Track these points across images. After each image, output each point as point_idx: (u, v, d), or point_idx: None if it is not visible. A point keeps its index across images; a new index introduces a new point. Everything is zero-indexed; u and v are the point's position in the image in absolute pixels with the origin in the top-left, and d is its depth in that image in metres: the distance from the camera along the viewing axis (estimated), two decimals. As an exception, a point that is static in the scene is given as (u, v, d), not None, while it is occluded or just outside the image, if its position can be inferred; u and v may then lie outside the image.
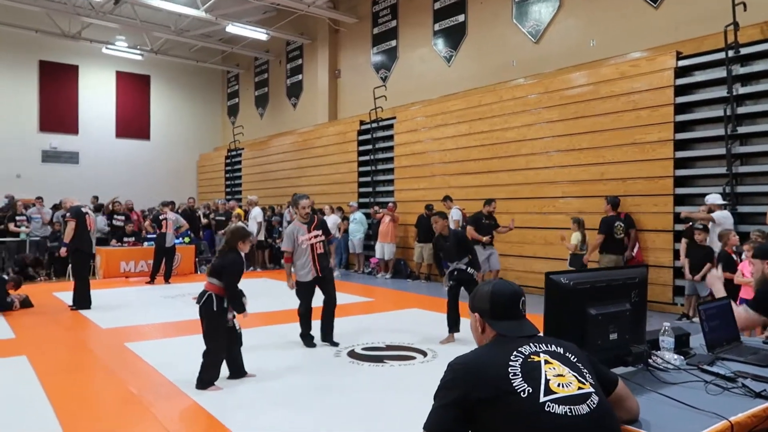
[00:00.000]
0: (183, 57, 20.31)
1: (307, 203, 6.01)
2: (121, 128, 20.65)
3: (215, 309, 4.56)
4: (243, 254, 4.89)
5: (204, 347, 4.63)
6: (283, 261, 6.25)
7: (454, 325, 6.17)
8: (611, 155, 8.89)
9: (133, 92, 21.05)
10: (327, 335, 6.12)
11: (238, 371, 4.87)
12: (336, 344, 6.05)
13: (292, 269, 5.99)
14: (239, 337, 4.84)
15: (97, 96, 20.12)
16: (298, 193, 6.24)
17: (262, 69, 20.41)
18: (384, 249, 12.21)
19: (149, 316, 7.83)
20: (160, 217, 11.06)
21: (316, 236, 6.01)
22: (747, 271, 5.50)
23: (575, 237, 8.66)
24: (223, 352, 4.67)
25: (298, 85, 18.47)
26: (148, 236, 12.39)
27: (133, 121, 20.91)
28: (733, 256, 6.30)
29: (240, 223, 5.85)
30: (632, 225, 8.39)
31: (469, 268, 6.10)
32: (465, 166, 11.31)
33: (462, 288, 6.18)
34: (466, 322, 6.22)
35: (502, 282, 1.89)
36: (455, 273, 6.14)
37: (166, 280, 11.06)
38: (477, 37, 12.29)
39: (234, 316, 4.75)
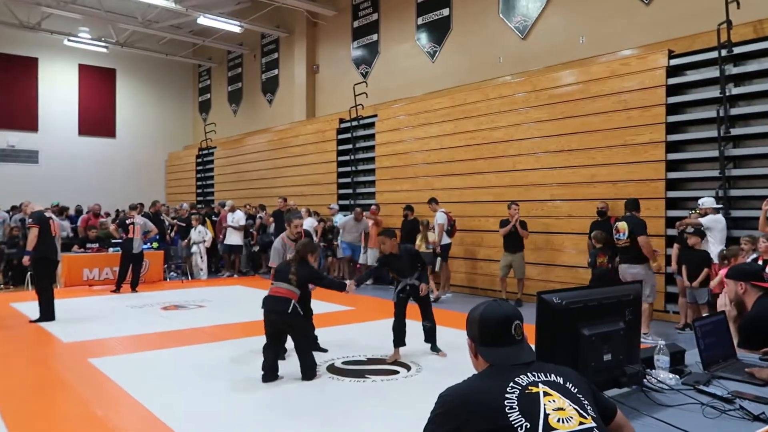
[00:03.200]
0: (151, 50, 20.07)
1: (300, 223, 6.27)
2: (84, 125, 20.35)
3: (301, 313, 5.39)
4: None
5: (297, 347, 5.35)
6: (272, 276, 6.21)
7: (399, 339, 6.04)
8: (601, 157, 8.98)
9: (98, 87, 20.76)
10: (313, 343, 6.29)
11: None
12: (325, 350, 6.29)
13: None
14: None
15: (58, 91, 19.81)
16: (292, 211, 6.40)
17: (236, 63, 20.26)
18: (367, 254, 12.16)
19: (115, 328, 7.70)
20: (127, 222, 10.90)
21: None
22: None
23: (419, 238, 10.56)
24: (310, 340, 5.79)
25: (273, 80, 18.37)
26: (114, 242, 12.20)
27: (97, 118, 20.62)
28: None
29: (306, 238, 6.14)
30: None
31: (422, 284, 6.05)
32: (450, 167, 11.34)
33: (412, 300, 6.14)
34: (411, 334, 6.21)
35: (492, 305, 1.81)
36: (407, 288, 6.09)
37: (133, 288, 10.90)
38: (462, 32, 12.34)
39: None
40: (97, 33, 18.70)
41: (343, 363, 5.92)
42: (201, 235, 12.91)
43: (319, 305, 7.19)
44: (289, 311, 5.20)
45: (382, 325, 8.00)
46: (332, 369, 5.70)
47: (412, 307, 6.20)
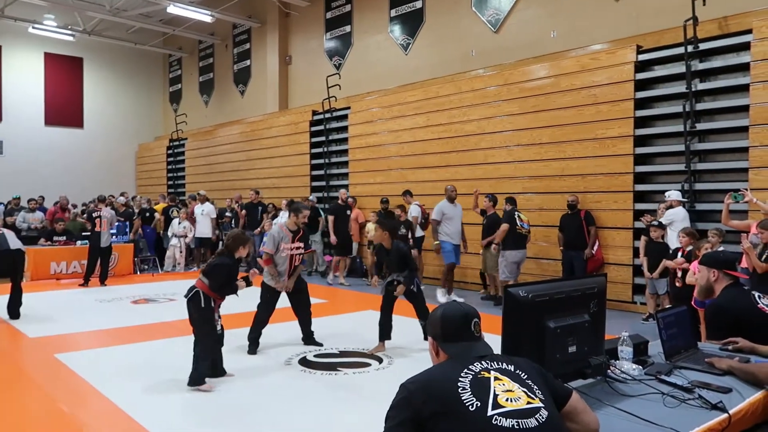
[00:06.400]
0: (120, 39, 19.64)
1: (308, 213, 6.24)
2: (50, 115, 19.86)
3: (203, 306, 4.83)
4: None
5: (194, 344, 4.87)
6: (262, 263, 6.27)
7: (384, 333, 6.08)
8: (572, 150, 9.09)
9: (65, 76, 20.26)
10: (309, 338, 6.37)
11: (216, 370, 5.11)
12: (320, 344, 6.29)
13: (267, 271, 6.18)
14: (221, 337, 5.14)
15: (23, 79, 19.28)
16: (300, 202, 6.48)
17: (207, 53, 19.97)
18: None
19: (83, 323, 7.56)
20: (94, 215, 10.69)
21: (297, 248, 6.15)
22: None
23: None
24: (215, 345, 4.97)
25: (245, 71, 18.16)
26: (83, 234, 11.97)
27: (64, 108, 20.13)
28: None
29: (239, 230, 6.07)
30: (592, 222, 8.61)
31: (399, 285, 6.02)
32: (423, 159, 11.38)
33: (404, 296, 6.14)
34: (400, 331, 6.25)
35: (452, 304, 1.95)
36: (394, 283, 6.10)
37: (102, 282, 10.72)
38: (435, 24, 12.35)
39: (219, 318, 5.03)
40: (63, 21, 18.22)
41: (315, 356, 5.92)
42: (185, 229, 12.80)
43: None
44: (188, 298, 4.84)
45: (356, 317, 8.05)
46: (304, 362, 5.70)
47: (401, 303, 6.18)
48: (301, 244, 6.19)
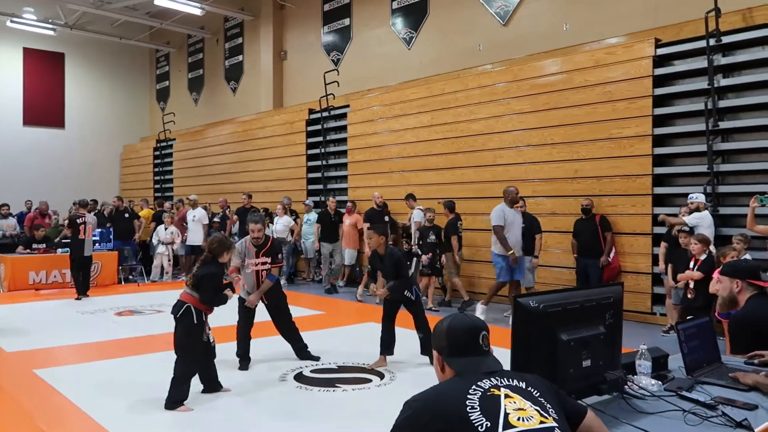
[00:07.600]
0: (104, 33, 19.72)
1: (257, 228, 6.12)
2: (29, 114, 19.92)
3: (195, 322, 4.78)
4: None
5: (174, 363, 4.79)
6: (228, 272, 6.23)
7: (386, 347, 6.07)
8: (586, 151, 9.09)
9: (45, 73, 20.33)
10: (303, 351, 6.35)
11: (212, 385, 5.11)
12: (317, 358, 6.28)
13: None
14: (213, 349, 5.09)
15: (0, 76, 19.33)
16: (252, 215, 6.41)
17: (197, 48, 20.04)
18: (345, 254, 12.08)
19: (64, 336, 7.57)
20: (78, 221, 10.68)
21: (263, 263, 6.13)
22: None
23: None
24: (196, 368, 4.89)
25: (238, 67, 18.21)
26: (64, 242, 11.98)
27: (44, 107, 20.19)
28: None
29: (222, 234, 6.06)
30: (608, 228, 8.59)
31: (406, 292, 6.06)
32: (427, 161, 11.39)
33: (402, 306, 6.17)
34: (402, 344, 6.23)
35: (459, 316, 1.94)
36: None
37: (84, 293, 10.70)
38: (440, 17, 12.38)
39: (209, 329, 5.00)
40: (44, 14, 18.29)
41: (312, 371, 5.91)
42: (172, 235, 12.83)
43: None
44: (177, 315, 4.79)
45: (354, 330, 8.04)
46: (300, 378, 5.69)
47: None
48: (267, 259, 6.15)
